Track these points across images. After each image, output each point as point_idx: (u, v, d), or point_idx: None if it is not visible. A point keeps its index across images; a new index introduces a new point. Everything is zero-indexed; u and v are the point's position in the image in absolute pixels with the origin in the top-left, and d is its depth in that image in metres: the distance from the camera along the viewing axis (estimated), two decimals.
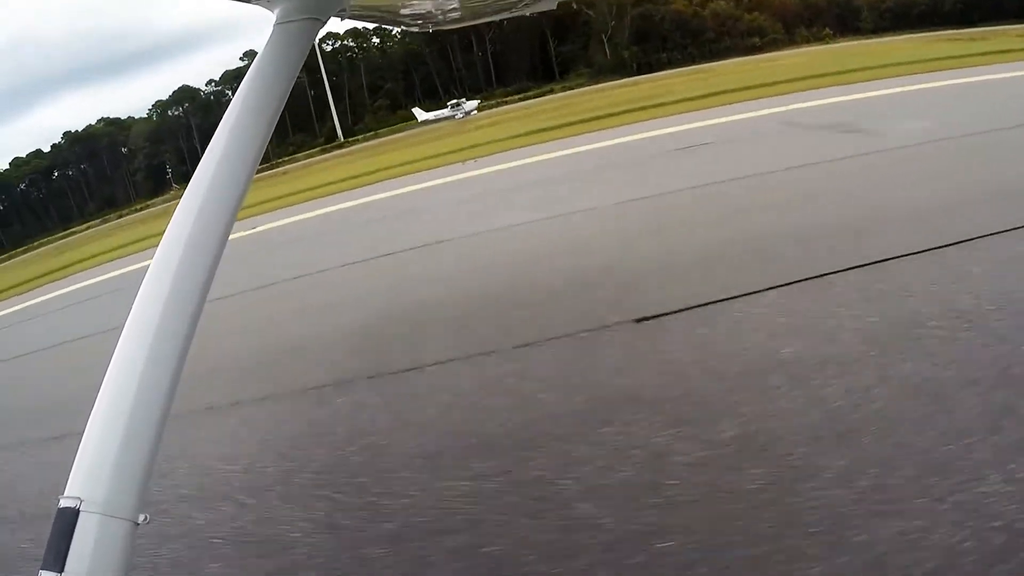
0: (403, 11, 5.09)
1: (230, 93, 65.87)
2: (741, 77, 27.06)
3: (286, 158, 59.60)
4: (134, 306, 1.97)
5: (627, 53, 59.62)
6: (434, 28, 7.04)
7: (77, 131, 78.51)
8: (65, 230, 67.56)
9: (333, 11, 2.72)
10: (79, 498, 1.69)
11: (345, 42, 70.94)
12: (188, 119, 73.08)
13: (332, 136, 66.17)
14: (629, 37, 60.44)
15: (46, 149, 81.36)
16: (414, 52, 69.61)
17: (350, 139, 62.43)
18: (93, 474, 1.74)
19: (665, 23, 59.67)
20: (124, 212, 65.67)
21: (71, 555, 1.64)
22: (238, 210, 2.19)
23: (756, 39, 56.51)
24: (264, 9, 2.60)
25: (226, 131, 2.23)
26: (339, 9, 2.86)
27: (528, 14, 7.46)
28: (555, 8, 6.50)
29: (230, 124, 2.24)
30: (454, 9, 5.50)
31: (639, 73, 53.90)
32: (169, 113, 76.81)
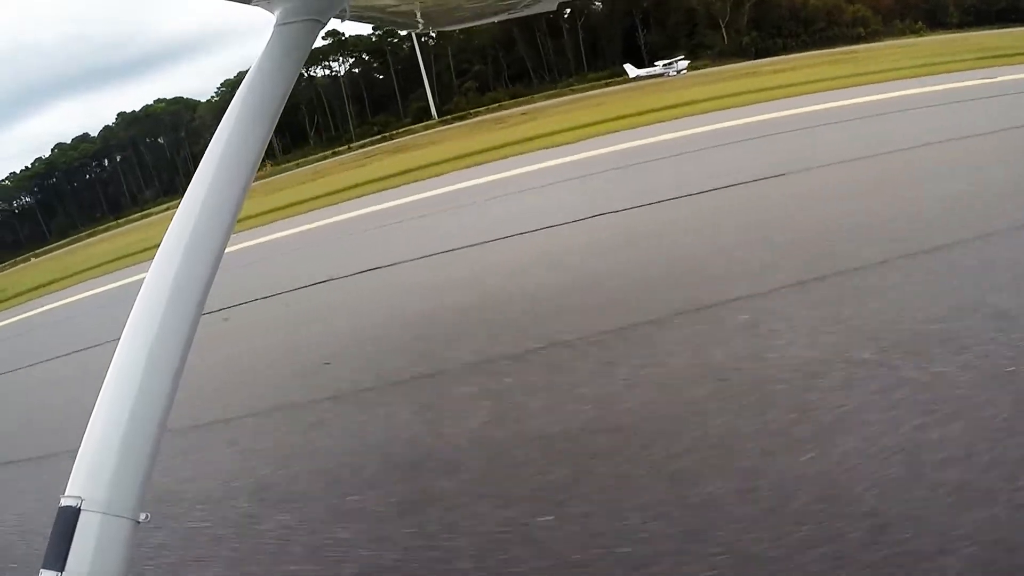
0: (403, 12, 5.10)
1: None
2: (892, 59, 27.08)
3: (400, 131, 59.73)
4: (135, 306, 1.98)
5: (747, 39, 61.84)
6: (435, 30, 7.03)
7: (134, 111, 77.24)
8: (118, 218, 66.80)
9: (334, 12, 2.73)
10: (80, 497, 1.70)
11: None
12: None
13: (420, 116, 66.17)
14: (748, 23, 62.82)
15: (94, 133, 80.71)
16: (501, 37, 70.23)
17: (443, 118, 62.45)
18: (94, 473, 1.74)
19: (781, 11, 61.96)
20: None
21: (72, 554, 1.65)
22: (238, 211, 2.20)
23: (860, 29, 58.21)
24: (264, 10, 2.61)
25: (226, 132, 2.23)
26: (340, 10, 2.87)
27: (527, 15, 7.47)
28: (555, 9, 6.51)
29: (230, 125, 2.24)
30: (454, 10, 5.51)
31: (757, 57, 55.60)
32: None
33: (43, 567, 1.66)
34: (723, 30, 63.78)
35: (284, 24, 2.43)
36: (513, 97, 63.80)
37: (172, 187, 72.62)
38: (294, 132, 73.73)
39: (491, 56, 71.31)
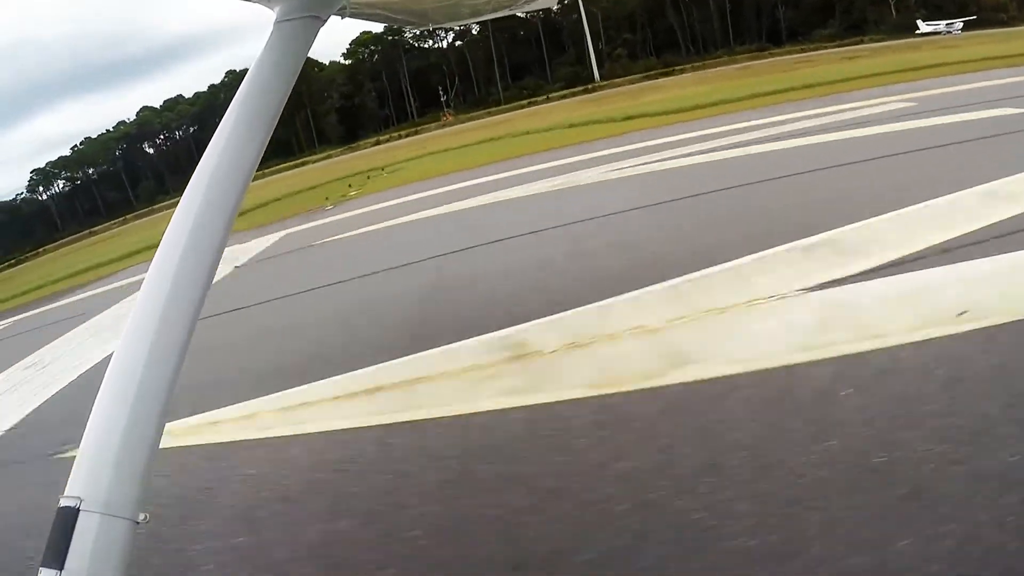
0: (404, 10, 5.08)
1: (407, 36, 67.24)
2: None
3: (603, 84, 59.62)
4: (135, 306, 1.97)
5: (919, 15, 61.17)
6: (434, 27, 7.02)
7: (245, 69, 76.84)
8: None
9: (333, 9, 2.72)
10: (79, 497, 1.70)
11: None
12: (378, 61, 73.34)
13: (574, 80, 65.94)
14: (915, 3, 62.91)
15: (188, 95, 79.67)
16: (650, 5, 70.57)
17: (604, 83, 62.42)
18: (93, 473, 1.74)
19: None
20: (306, 159, 62.92)
21: (71, 553, 1.65)
22: (238, 209, 2.19)
23: (1003, 15, 58.77)
24: (264, 7, 2.59)
25: (227, 129, 2.22)
26: (339, 7, 2.85)
27: (524, 13, 7.46)
28: (554, 7, 6.48)
29: (231, 122, 2.23)
30: (453, 7, 5.50)
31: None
32: (361, 56, 76.34)
33: (42, 566, 1.66)
34: (892, 8, 63.75)
35: (284, 21, 2.42)
36: (666, 65, 63.94)
37: (288, 149, 71.54)
38: (426, 95, 74.57)
39: (640, 24, 71.88)
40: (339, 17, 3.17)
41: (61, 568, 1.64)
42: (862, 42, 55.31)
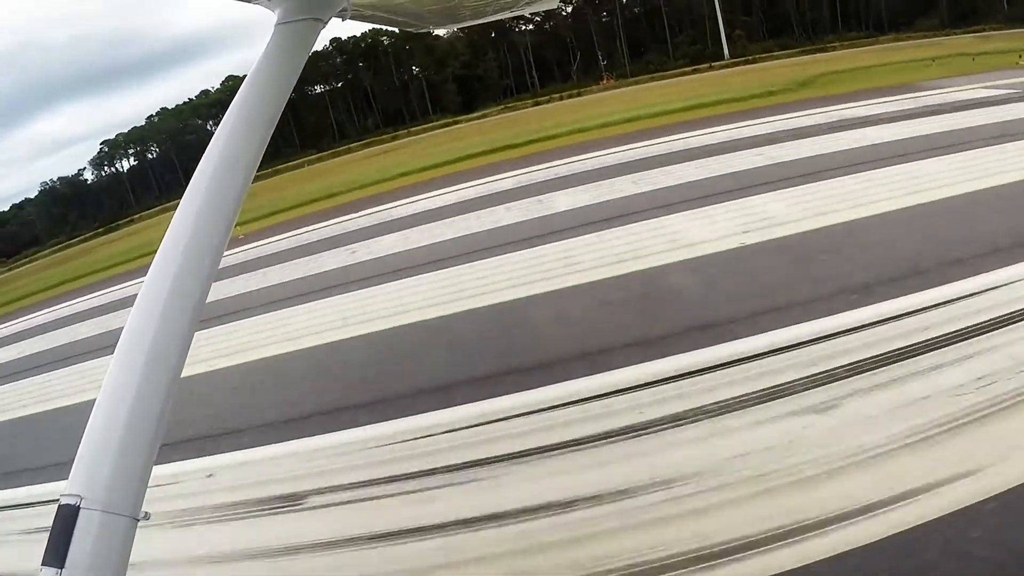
0: (405, 12, 5.09)
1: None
2: None
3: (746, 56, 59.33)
4: (135, 305, 1.98)
5: None
6: (435, 29, 7.03)
7: (353, 38, 72.84)
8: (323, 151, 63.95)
9: (334, 11, 2.73)
10: (80, 495, 1.71)
11: None
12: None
13: (699, 57, 64.94)
14: None
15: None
16: None
17: (735, 59, 61.57)
18: (94, 472, 1.75)
19: None
20: (412, 130, 60.76)
21: (71, 551, 1.65)
22: (239, 209, 2.20)
23: None
24: (266, 9, 2.61)
25: (227, 130, 2.23)
26: (340, 9, 2.87)
27: (528, 14, 7.47)
28: (555, 7, 6.50)
29: (232, 123, 2.24)
30: (455, 9, 5.51)
31: None
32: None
33: (43, 564, 1.67)
34: None
35: (285, 23, 2.43)
36: (782, 47, 62.53)
37: (398, 118, 70.85)
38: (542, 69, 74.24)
39: (757, 8, 71.89)
40: (340, 19, 3.18)
41: (62, 566, 1.65)
42: (984, 31, 54.43)
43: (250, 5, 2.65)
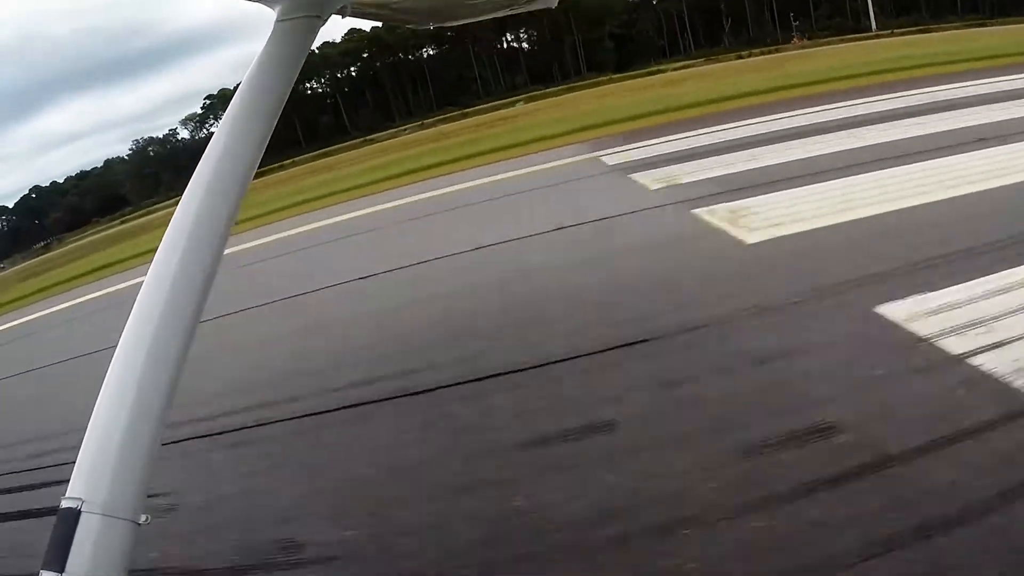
0: (406, 9, 5.06)
1: None
2: None
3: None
4: (135, 305, 1.97)
5: None
6: (435, 25, 7.02)
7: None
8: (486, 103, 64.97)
9: (334, 8, 2.71)
10: (80, 499, 1.70)
11: None
12: None
13: (840, 30, 66.77)
14: None
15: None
16: None
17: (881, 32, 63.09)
18: (94, 475, 1.74)
19: None
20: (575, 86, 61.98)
21: (72, 556, 1.65)
22: (238, 211, 2.19)
23: None
24: (265, 6, 2.59)
25: (226, 130, 2.22)
26: (340, 6, 2.85)
27: (529, 11, 7.46)
28: (555, 6, 6.48)
29: (230, 122, 2.23)
30: (456, 6, 5.48)
31: None
32: None
33: (43, 568, 1.66)
34: None
35: (284, 20, 2.41)
36: (914, 24, 64.65)
37: (547, 76, 71.42)
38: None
39: None
40: (340, 16, 3.16)
41: (62, 570, 1.64)
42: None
43: (249, 2, 2.63)
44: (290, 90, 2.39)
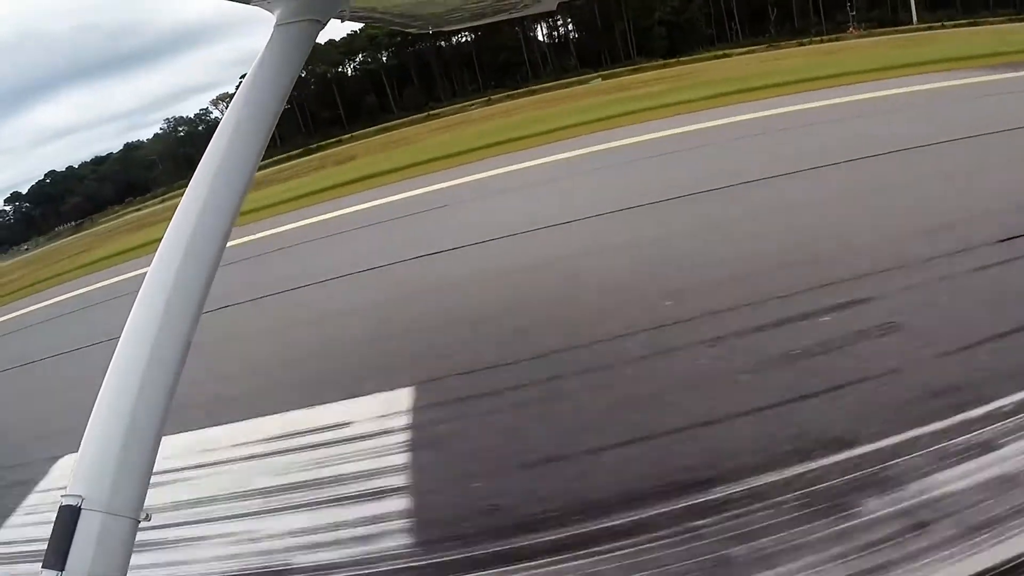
0: (403, 13, 5.10)
1: None
2: None
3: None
4: (135, 305, 1.98)
5: None
6: (434, 29, 7.05)
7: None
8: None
9: (334, 12, 2.73)
10: (81, 496, 1.70)
11: None
12: None
13: (881, 22, 67.52)
14: None
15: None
16: None
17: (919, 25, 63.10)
18: (95, 472, 1.75)
19: None
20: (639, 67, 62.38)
21: (72, 553, 1.65)
22: (238, 211, 2.20)
23: None
24: (264, 10, 2.61)
25: (226, 132, 2.23)
26: (340, 10, 2.87)
27: (528, 15, 7.49)
28: (554, 8, 6.52)
29: (230, 125, 2.25)
30: (454, 11, 5.52)
31: None
32: None
33: (43, 566, 1.66)
34: None
35: (284, 24, 2.43)
36: (950, 19, 64.24)
37: (595, 59, 73.08)
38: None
39: None
40: (339, 20, 3.18)
41: (62, 568, 1.64)
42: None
43: (248, 6, 2.65)
44: (289, 92, 2.41)
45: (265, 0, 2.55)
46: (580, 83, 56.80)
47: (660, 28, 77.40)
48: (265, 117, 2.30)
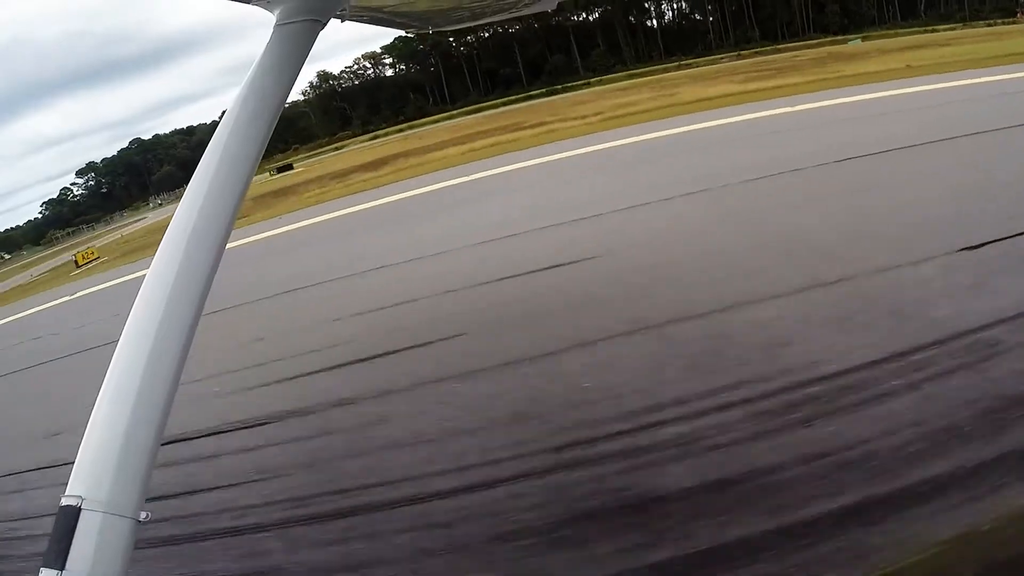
0: (403, 13, 5.09)
1: None
2: None
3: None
4: (135, 305, 1.98)
5: None
6: (434, 30, 7.04)
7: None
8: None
9: (333, 12, 2.73)
10: (81, 496, 1.70)
11: None
12: None
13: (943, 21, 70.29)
14: None
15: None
16: None
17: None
18: (95, 472, 1.75)
19: None
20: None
21: (72, 553, 1.65)
22: (238, 210, 2.20)
23: None
24: (264, 10, 2.61)
25: (227, 131, 2.23)
26: (339, 10, 2.87)
27: (526, 15, 7.50)
28: (554, 8, 6.52)
29: (231, 124, 2.25)
30: (454, 10, 5.51)
31: None
32: None
33: (43, 566, 1.66)
34: None
35: (284, 24, 2.43)
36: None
37: (771, 33, 76.88)
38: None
39: None
40: (339, 20, 3.18)
41: (63, 568, 1.64)
42: None
43: (248, 6, 2.65)
44: (290, 92, 2.41)
45: (265, 0, 2.55)
46: (835, 44, 60.09)
47: (834, 5, 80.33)
48: (265, 117, 2.30)
